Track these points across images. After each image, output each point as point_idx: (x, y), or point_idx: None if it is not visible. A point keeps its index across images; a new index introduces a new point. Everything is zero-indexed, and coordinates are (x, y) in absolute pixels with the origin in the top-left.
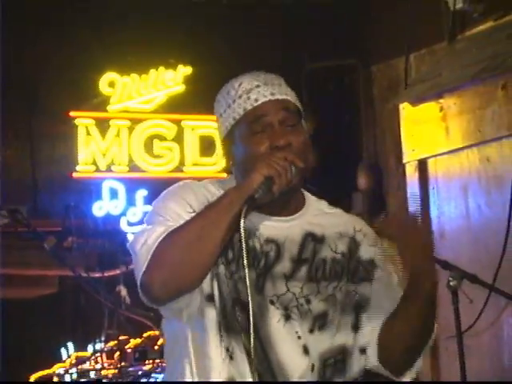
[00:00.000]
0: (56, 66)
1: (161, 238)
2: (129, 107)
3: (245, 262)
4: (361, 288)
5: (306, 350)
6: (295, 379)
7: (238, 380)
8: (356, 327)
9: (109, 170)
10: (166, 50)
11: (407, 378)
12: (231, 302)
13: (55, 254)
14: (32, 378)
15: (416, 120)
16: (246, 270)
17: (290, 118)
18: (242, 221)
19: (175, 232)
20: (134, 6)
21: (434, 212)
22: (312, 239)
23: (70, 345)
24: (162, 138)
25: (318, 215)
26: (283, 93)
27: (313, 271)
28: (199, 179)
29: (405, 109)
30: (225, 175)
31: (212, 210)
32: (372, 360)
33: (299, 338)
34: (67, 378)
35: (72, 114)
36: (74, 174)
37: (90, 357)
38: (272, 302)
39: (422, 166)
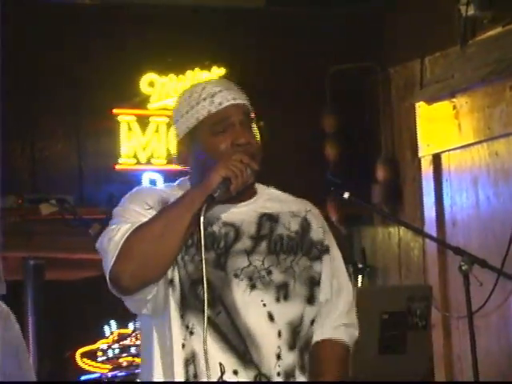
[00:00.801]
0: (101, 67)
1: (127, 234)
2: (167, 105)
3: (203, 256)
4: (315, 265)
5: (271, 317)
6: (263, 344)
7: (201, 353)
8: (309, 300)
9: (148, 162)
10: (202, 53)
11: None
12: (189, 282)
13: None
14: (78, 353)
15: (431, 118)
16: (203, 264)
17: (248, 120)
18: (201, 218)
19: (141, 227)
20: (172, 11)
21: (446, 202)
22: (267, 219)
23: (113, 322)
24: None
25: (270, 199)
26: (243, 98)
27: (272, 245)
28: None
29: (420, 107)
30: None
31: (175, 207)
32: (314, 337)
33: (264, 305)
34: (110, 353)
35: (115, 111)
36: (117, 167)
37: (131, 334)
38: (236, 275)
39: (436, 159)
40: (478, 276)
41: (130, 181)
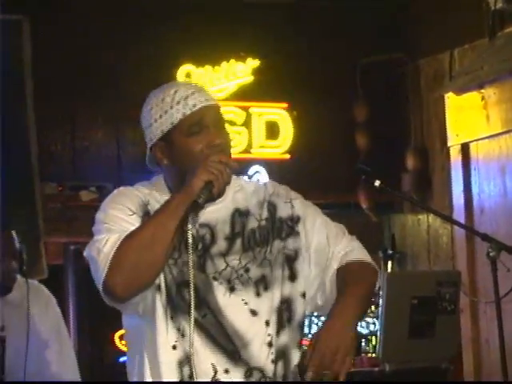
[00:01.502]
0: (138, 58)
1: (117, 245)
2: None
3: (190, 265)
4: (288, 243)
5: (254, 313)
6: (251, 340)
7: (193, 356)
8: (292, 277)
9: None
10: (237, 44)
11: None
12: (175, 285)
13: None
14: (116, 335)
15: (459, 108)
16: (190, 273)
17: (220, 120)
18: (189, 225)
19: (129, 238)
20: (208, 3)
21: (475, 190)
22: (239, 215)
23: None
24: (232, 123)
25: (239, 191)
26: (214, 99)
27: (245, 242)
28: (273, 163)
29: (449, 98)
30: (288, 156)
31: (160, 215)
32: (311, 306)
33: (246, 303)
34: None
35: None
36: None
37: None
38: (215, 278)
39: (465, 149)
40: (506, 262)
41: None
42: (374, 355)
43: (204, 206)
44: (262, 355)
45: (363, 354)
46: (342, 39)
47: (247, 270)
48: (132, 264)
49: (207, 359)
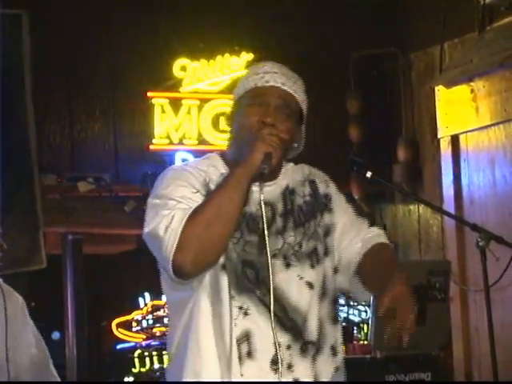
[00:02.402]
0: (135, 52)
1: (184, 221)
2: (198, 89)
3: (265, 232)
4: (324, 219)
5: (310, 286)
6: (307, 313)
7: (256, 332)
8: (327, 253)
9: (181, 143)
10: (231, 39)
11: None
12: (240, 264)
13: (134, 216)
14: (114, 323)
15: (449, 100)
16: (267, 239)
17: (286, 109)
18: (261, 196)
19: (196, 213)
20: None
21: (464, 181)
22: (288, 193)
23: (147, 294)
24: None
25: (286, 173)
26: (293, 89)
27: (296, 219)
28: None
29: (440, 91)
30: None
31: (224, 188)
32: (343, 282)
33: (301, 278)
34: (144, 324)
35: (149, 94)
36: (151, 147)
37: (164, 305)
38: (274, 256)
39: (455, 140)
40: (495, 251)
41: (162, 160)
42: (365, 342)
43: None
44: (313, 329)
45: (355, 342)
46: (335, 33)
47: (300, 246)
48: (201, 239)
49: (270, 336)
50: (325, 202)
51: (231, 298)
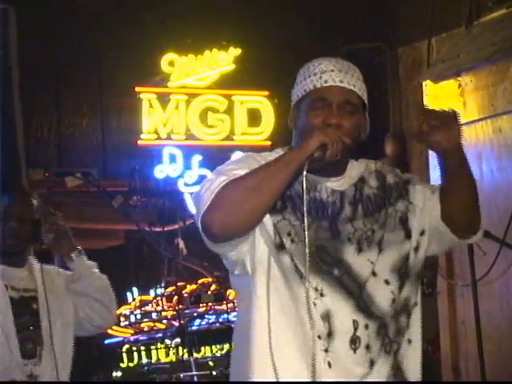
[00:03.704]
0: (123, 47)
1: (223, 183)
2: (186, 84)
3: (304, 211)
4: (398, 206)
5: (374, 274)
6: (374, 297)
7: (334, 312)
8: (408, 235)
9: (169, 138)
10: (219, 34)
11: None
12: (314, 248)
13: (122, 211)
14: None
15: (437, 95)
16: (305, 221)
17: (348, 105)
18: (304, 172)
19: (237, 179)
20: None
21: None
22: (360, 182)
23: (135, 289)
24: (214, 111)
25: (352, 167)
26: (351, 84)
27: (365, 207)
28: (253, 149)
29: (427, 86)
30: (269, 143)
31: (273, 164)
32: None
33: (372, 263)
34: (132, 319)
35: (137, 89)
36: (139, 142)
37: (152, 300)
38: (349, 240)
39: None
40: (482, 246)
41: (150, 155)
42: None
43: (316, 166)
44: (386, 312)
45: None
46: (322, 28)
47: (373, 232)
48: (232, 203)
49: (348, 315)
50: (398, 189)
51: (305, 279)
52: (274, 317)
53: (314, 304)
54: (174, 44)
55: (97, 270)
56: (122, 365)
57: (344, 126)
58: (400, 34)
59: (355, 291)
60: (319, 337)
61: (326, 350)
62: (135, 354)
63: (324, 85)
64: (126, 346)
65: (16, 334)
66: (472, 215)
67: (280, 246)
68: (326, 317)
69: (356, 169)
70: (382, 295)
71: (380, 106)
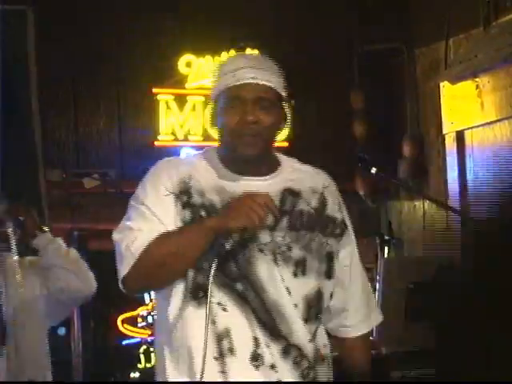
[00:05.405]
0: (142, 48)
1: (143, 248)
2: (203, 85)
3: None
4: (330, 241)
5: (288, 291)
6: (289, 317)
7: (234, 328)
8: (327, 275)
9: (186, 139)
10: (236, 34)
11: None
12: (221, 260)
13: None
14: (119, 319)
15: (454, 96)
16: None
17: (264, 100)
18: (210, 277)
19: (156, 245)
20: None
21: (469, 177)
22: (289, 194)
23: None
24: None
25: (293, 172)
26: (265, 79)
27: (292, 221)
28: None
29: (445, 86)
30: (286, 144)
31: (188, 233)
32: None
33: (283, 280)
34: (149, 319)
35: (154, 90)
36: (156, 143)
37: None
38: (261, 250)
39: (460, 136)
40: None
41: (168, 156)
42: (370, 338)
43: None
44: (300, 333)
45: None
46: (340, 29)
47: (290, 249)
48: (153, 273)
49: (249, 332)
50: (334, 226)
51: (206, 295)
52: (180, 336)
53: (214, 322)
54: (191, 45)
55: (63, 244)
56: (139, 366)
57: (261, 123)
58: (417, 34)
59: (259, 307)
60: (221, 354)
61: (223, 372)
62: (152, 355)
63: (236, 83)
64: (144, 347)
65: None
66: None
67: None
68: (226, 333)
69: (303, 177)
70: (293, 316)
71: (397, 107)
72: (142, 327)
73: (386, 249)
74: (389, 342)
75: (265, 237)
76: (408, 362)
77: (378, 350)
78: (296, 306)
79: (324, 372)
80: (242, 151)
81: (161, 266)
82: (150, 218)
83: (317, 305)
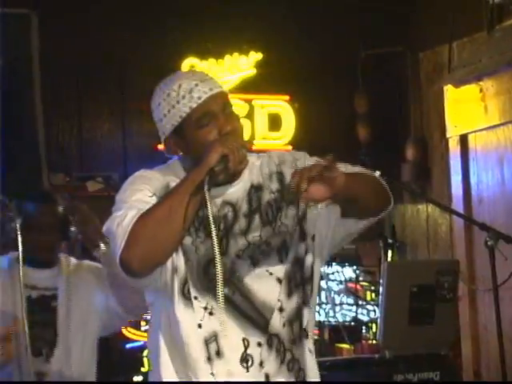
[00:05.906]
0: (143, 51)
1: (134, 220)
2: None
3: (212, 227)
4: (300, 205)
5: (279, 280)
6: (276, 308)
7: (221, 333)
8: (303, 237)
9: None
10: (240, 38)
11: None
12: (202, 266)
13: None
14: None
15: (458, 100)
16: (214, 233)
17: (227, 106)
18: (205, 187)
19: (146, 213)
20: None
21: (473, 180)
22: (254, 190)
23: None
24: None
25: (253, 168)
26: (217, 86)
27: (263, 216)
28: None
29: (448, 90)
30: (290, 147)
31: (176, 190)
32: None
33: (271, 274)
34: None
35: None
36: (159, 146)
37: None
38: (238, 257)
39: (463, 140)
40: (503, 251)
41: (171, 160)
42: (374, 342)
43: (221, 178)
44: (275, 321)
45: (364, 341)
46: (344, 32)
47: (269, 244)
48: (149, 238)
49: (238, 334)
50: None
51: (195, 298)
52: (170, 339)
53: (200, 326)
54: (195, 48)
55: None
56: (142, 369)
57: (238, 129)
58: (421, 38)
59: (248, 308)
60: (209, 358)
61: (213, 374)
62: None
63: (199, 101)
64: (147, 351)
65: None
66: (379, 202)
67: (174, 269)
68: (213, 337)
69: (257, 169)
70: (280, 305)
71: (401, 110)
72: (145, 330)
73: (390, 252)
74: (392, 345)
75: (241, 242)
76: (411, 365)
77: (382, 353)
78: (295, 286)
79: (300, 352)
80: (235, 166)
81: (156, 227)
82: (136, 205)
83: (300, 271)
